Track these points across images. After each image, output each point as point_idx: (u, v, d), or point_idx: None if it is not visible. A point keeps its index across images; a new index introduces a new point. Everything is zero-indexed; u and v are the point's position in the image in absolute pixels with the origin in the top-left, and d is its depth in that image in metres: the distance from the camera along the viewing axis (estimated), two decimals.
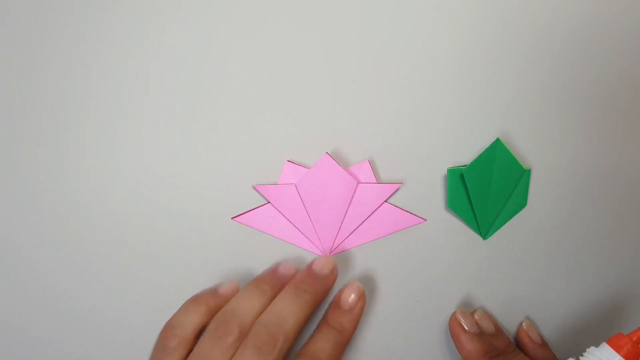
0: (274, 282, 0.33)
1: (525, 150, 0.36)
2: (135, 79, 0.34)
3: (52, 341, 0.35)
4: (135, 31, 0.34)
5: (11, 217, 0.34)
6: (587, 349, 0.29)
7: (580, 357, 0.29)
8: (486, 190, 0.34)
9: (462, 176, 0.34)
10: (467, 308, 0.36)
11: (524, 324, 0.36)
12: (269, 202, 0.35)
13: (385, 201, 0.35)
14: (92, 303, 0.35)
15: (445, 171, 0.35)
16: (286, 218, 0.35)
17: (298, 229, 0.35)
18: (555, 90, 0.36)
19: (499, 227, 0.36)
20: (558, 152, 0.36)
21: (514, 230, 0.36)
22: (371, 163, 0.35)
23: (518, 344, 0.36)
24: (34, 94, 0.34)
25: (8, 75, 0.34)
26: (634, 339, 0.28)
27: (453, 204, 0.35)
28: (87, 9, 0.34)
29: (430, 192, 0.35)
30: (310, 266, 0.34)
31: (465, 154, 0.35)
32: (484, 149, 0.34)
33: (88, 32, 0.34)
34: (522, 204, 0.36)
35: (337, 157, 0.35)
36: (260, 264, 0.35)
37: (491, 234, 0.36)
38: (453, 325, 0.35)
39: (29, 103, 0.34)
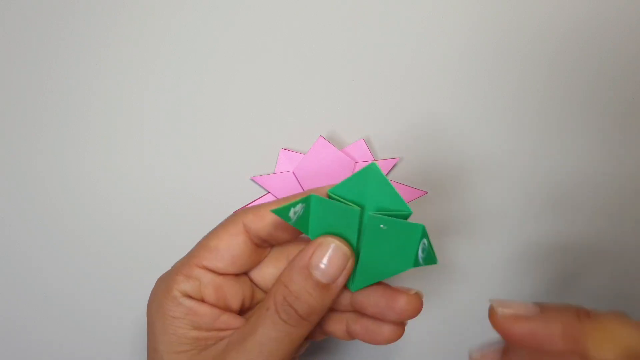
0: None
1: (524, 149, 0.35)
2: (132, 76, 0.35)
3: (52, 342, 0.34)
4: (131, 28, 0.35)
5: (12, 217, 0.35)
6: None
7: None
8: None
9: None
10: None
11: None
12: (268, 192, 0.34)
13: None
14: (93, 303, 0.34)
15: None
16: None
17: None
18: (555, 90, 0.35)
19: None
20: (559, 153, 0.35)
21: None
22: (366, 141, 0.35)
23: None
24: (35, 94, 0.35)
25: (9, 76, 0.35)
26: None
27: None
28: (87, 9, 0.35)
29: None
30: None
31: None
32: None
33: (88, 33, 0.35)
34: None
35: (331, 141, 0.35)
36: None
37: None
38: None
39: (29, 103, 0.35)
